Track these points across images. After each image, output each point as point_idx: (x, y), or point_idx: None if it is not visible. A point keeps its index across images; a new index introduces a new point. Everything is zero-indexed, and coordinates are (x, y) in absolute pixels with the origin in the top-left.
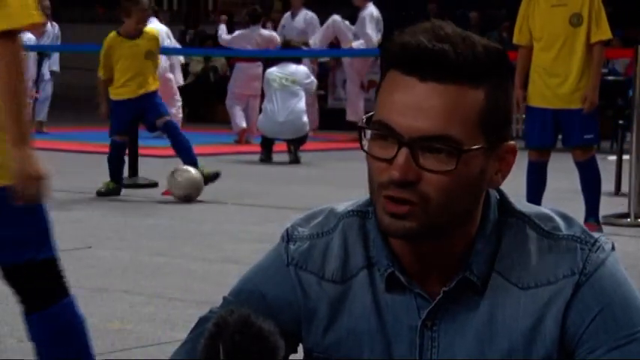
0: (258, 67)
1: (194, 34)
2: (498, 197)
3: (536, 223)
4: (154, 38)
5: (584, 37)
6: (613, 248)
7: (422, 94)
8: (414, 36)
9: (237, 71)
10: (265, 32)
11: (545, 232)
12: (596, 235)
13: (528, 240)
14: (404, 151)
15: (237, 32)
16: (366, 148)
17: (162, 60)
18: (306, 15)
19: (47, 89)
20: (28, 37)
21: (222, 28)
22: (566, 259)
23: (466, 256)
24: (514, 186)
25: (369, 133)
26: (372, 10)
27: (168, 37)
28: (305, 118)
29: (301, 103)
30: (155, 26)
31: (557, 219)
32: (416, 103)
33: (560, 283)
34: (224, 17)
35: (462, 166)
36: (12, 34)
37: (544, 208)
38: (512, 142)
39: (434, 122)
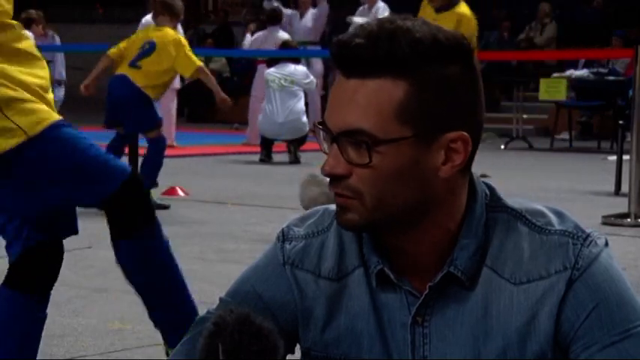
0: None
1: (193, 33)
2: (488, 193)
3: (528, 218)
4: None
5: None
6: (607, 244)
7: (347, 90)
8: (349, 34)
9: (258, 74)
10: (285, 35)
11: (537, 227)
12: (588, 230)
13: (520, 235)
14: (334, 146)
15: (256, 35)
16: (324, 148)
17: None
18: (313, 13)
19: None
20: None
21: (248, 38)
22: (558, 254)
23: (451, 251)
24: (514, 186)
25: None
26: (380, 4)
27: None
28: (304, 119)
29: (300, 104)
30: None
31: (550, 214)
32: (342, 100)
33: (552, 278)
34: (252, 26)
35: (379, 159)
36: None
37: (536, 204)
38: (461, 133)
39: (352, 117)
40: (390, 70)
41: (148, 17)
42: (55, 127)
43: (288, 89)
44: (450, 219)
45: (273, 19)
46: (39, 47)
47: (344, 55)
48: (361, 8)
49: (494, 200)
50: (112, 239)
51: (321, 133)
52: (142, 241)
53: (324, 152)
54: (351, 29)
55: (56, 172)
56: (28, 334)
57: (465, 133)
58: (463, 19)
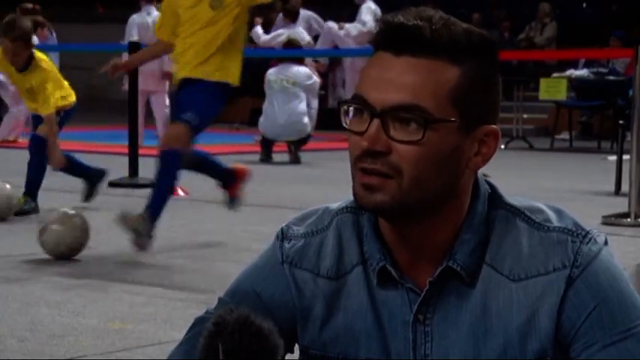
0: None
1: None
2: (490, 190)
3: (527, 215)
4: None
5: None
6: (606, 242)
7: (397, 68)
8: (395, 16)
9: None
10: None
11: (536, 224)
12: (588, 227)
13: (519, 232)
14: (375, 122)
15: (274, 32)
16: (347, 124)
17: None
18: (304, 15)
19: None
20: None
21: (258, 30)
22: (556, 251)
23: (453, 246)
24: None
25: (351, 114)
26: (370, 4)
27: None
28: (306, 120)
29: (302, 105)
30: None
31: (549, 212)
32: (390, 77)
33: (551, 275)
34: (259, 19)
35: (430, 137)
36: None
37: (536, 202)
38: (494, 126)
39: (405, 93)
40: (447, 53)
41: (135, 16)
42: None
43: (289, 90)
44: (457, 213)
45: (293, 15)
46: (39, 46)
47: (399, 32)
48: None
49: (495, 197)
50: None
51: (350, 109)
52: None
53: (348, 128)
54: (396, 13)
55: None
56: None
57: (497, 128)
58: None
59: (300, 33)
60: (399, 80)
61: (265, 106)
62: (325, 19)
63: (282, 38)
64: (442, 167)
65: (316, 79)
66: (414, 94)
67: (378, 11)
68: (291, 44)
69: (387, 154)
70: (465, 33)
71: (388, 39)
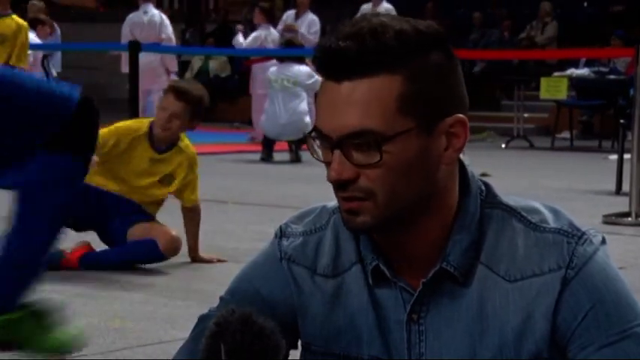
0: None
1: (194, 32)
2: (484, 189)
3: (523, 215)
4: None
5: None
6: (604, 242)
7: (340, 94)
8: (328, 38)
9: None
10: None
11: (531, 224)
12: (584, 228)
13: (515, 232)
14: (336, 152)
15: (252, 35)
16: (319, 155)
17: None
18: (309, 18)
19: None
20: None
21: (239, 38)
22: (552, 252)
23: (446, 247)
24: (514, 185)
25: (317, 143)
26: (386, 5)
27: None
28: (307, 119)
29: (303, 104)
30: (153, 14)
31: (545, 212)
32: (336, 104)
33: (546, 276)
34: (240, 27)
35: (389, 155)
36: None
37: (533, 202)
38: (458, 115)
39: (352, 119)
40: (382, 66)
41: (131, 15)
42: None
43: (290, 90)
44: (445, 212)
45: (270, 15)
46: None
47: (331, 60)
48: (365, 6)
49: (490, 197)
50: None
51: (315, 141)
52: (65, 163)
53: (319, 160)
54: (334, 30)
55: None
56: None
57: (462, 115)
58: None
59: (273, 34)
60: (343, 107)
61: (266, 105)
62: (326, 20)
63: (262, 39)
64: (413, 174)
65: (317, 77)
66: (362, 117)
67: (393, 12)
68: (291, 43)
69: (356, 180)
70: (397, 36)
71: (323, 67)
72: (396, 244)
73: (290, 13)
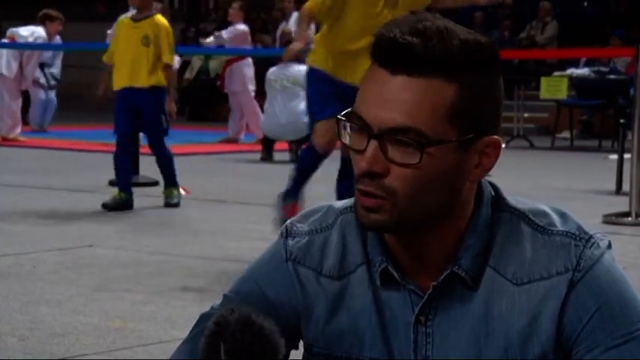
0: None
1: (194, 31)
2: (493, 193)
3: (531, 218)
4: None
5: None
6: (610, 246)
7: (393, 87)
8: (391, 29)
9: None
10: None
11: (539, 227)
12: (591, 232)
13: (522, 235)
14: (373, 142)
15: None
16: (347, 140)
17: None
18: (294, 16)
19: (51, 96)
20: (39, 35)
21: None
22: (559, 255)
23: (457, 251)
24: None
25: (349, 128)
26: None
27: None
28: (307, 119)
29: (303, 104)
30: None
31: (553, 215)
32: (386, 96)
33: (553, 279)
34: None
35: (427, 160)
36: None
37: (540, 204)
38: (494, 137)
39: (401, 115)
40: (442, 70)
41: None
42: None
43: (290, 90)
44: (461, 221)
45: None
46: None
47: (393, 51)
48: None
49: (499, 200)
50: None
51: (348, 125)
52: None
53: (346, 144)
54: (392, 23)
55: None
56: None
57: (498, 138)
58: None
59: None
60: (395, 100)
61: (266, 106)
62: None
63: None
64: (441, 185)
65: None
66: (411, 115)
67: None
68: (290, 43)
69: (385, 176)
70: (462, 46)
71: (383, 56)
72: (408, 247)
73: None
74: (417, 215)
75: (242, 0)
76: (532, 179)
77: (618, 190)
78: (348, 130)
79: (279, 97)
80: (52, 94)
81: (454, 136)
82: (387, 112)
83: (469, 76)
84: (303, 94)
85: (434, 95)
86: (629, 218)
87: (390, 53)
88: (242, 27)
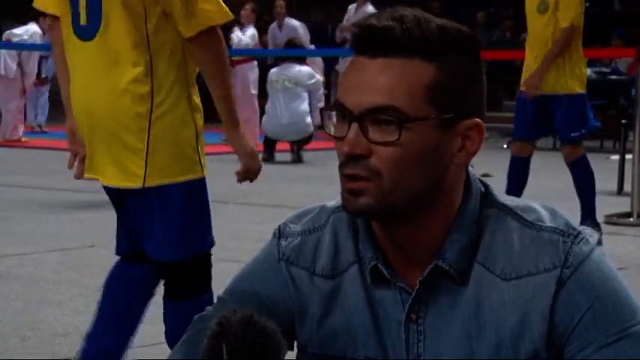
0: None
1: None
2: (483, 189)
3: (519, 214)
4: None
5: (552, 26)
6: (600, 242)
7: (371, 70)
8: (368, 19)
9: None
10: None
11: (527, 222)
12: (580, 227)
13: (510, 231)
14: (354, 125)
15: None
16: (332, 130)
17: None
18: (288, 24)
19: (43, 90)
20: (34, 32)
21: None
22: (547, 251)
23: (443, 245)
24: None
25: (334, 118)
26: (370, 8)
27: None
28: (308, 120)
29: (304, 105)
30: None
31: (542, 211)
32: (365, 80)
33: (542, 275)
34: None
35: (407, 137)
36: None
37: (530, 201)
38: (476, 120)
39: (381, 95)
40: (421, 51)
41: None
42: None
43: (291, 90)
44: (448, 212)
45: None
46: (41, 46)
47: (370, 35)
48: (351, 6)
49: (488, 197)
50: (168, 297)
51: (333, 115)
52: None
53: (331, 135)
54: (371, 15)
55: (189, 217)
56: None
57: (480, 121)
58: None
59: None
60: (373, 82)
61: (268, 106)
62: (327, 21)
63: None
64: (423, 166)
65: (319, 77)
66: (389, 94)
67: None
68: (291, 44)
69: (368, 157)
70: (439, 30)
71: (361, 42)
72: (396, 241)
73: (273, 26)
74: (402, 198)
75: (253, 2)
76: (533, 179)
77: (620, 190)
78: (333, 120)
79: (280, 97)
80: (45, 89)
81: (434, 114)
82: (367, 95)
83: (449, 58)
84: (304, 94)
85: (412, 74)
86: (631, 219)
87: (368, 39)
88: (254, 31)
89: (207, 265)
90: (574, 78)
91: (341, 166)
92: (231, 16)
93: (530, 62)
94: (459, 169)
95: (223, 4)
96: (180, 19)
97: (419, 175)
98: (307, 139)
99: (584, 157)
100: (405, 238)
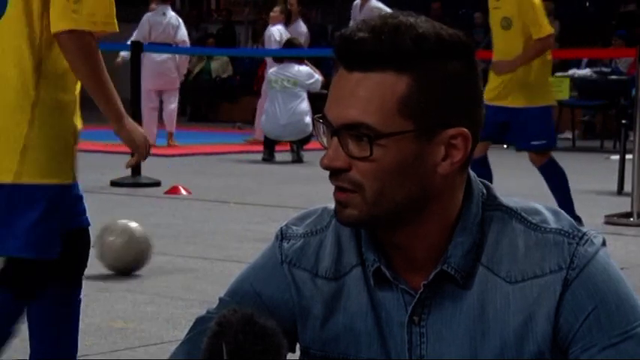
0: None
1: (197, 32)
2: (485, 192)
3: (523, 216)
4: None
5: (517, 41)
6: (604, 243)
7: (349, 84)
8: (350, 28)
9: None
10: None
11: (532, 224)
12: (584, 229)
13: (515, 233)
14: (334, 139)
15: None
16: (323, 141)
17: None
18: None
19: None
20: None
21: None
22: (553, 253)
23: (447, 249)
24: (516, 185)
25: (322, 128)
26: (374, 2)
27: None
28: (307, 119)
29: (303, 105)
30: (171, 16)
31: (546, 213)
32: (343, 93)
33: (547, 277)
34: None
35: (381, 152)
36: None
37: (534, 203)
38: (461, 129)
39: (355, 110)
40: (393, 63)
41: (149, 14)
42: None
43: (290, 90)
44: (446, 216)
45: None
46: None
47: (347, 48)
48: (356, 2)
49: (491, 199)
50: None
51: (321, 126)
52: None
53: (323, 146)
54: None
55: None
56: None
57: (466, 130)
58: (523, 1)
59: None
60: (350, 96)
61: (267, 106)
62: (327, 20)
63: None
64: (404, 177)
65: (318, 77)
66: (363, 110)
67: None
68: (290, 44)
69: (348, 171)
70: (416, 39)
71: (339, 55)
72: (394, 244)
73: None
74: (387, 209)
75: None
76: (534, 180)
77: (620, 190)
78: (322, 130)
79: (279, 97)
80: None
81: (410, 127)
82: (344, 108)
83: (424, 66)
84: (303, 94)
85: (384, 89)
86: (631, 219)
87: (345, 51)
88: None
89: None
90: (539, 90)
91: (329, 177)
92: (113, 28)
93: (492, 78)
94: (450, 177)
95: (111, 14)
96: (54, 12)
97: (401, 185)
98: (307, 139)
99: (550, 161)
100: (402, 242)
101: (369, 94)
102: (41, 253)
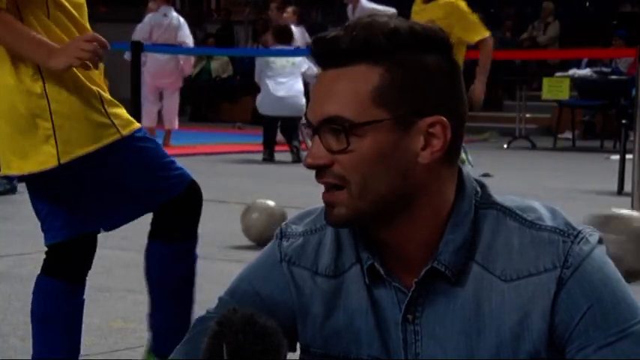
0: None
1: (197, 32)
2: (479, 190)
3: (518, 214)
4: None
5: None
6: (601, 241)
7: (325, 82)
8: (324, 32)
9: None
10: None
11: (527, 222)
12: (580, 227)
13: (510, 231)
14: (315, 138)
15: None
16: (309, 144)
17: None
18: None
19: None
20: None
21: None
22: (547, 251)
23: (437, 246)
24: (516, 185)
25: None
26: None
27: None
28: (303, 100)
29: (300, 84)
30: (173, 17)
31: (542, 210)
32: (321, 93)
33: (542, 276)
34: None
35: (358, 143)
36: None
37: (530, 201)
38: (439, 117)
39: (331, 105)
40: (366, 57)
41: (150, 15)
42: (138, 131)
43: (289, 69)
44: (436, 212)
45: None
46: None
47: (321, 47)
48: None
49: (485, 197)
50: (151, 236)
51: (306, 130)
52: (179, 249)
53: (309, 149)
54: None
55: (134, 174)
56: (73, 319)
57: (444, 118)
58: (452, 9)
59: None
60: (325, 94)
61: (264, 83)
62: (327, 20)
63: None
64: (386, 167)
65: (311, 65)
66: (337, 104)
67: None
68: (284, 32)
69: (330, 166)
70: (388, 33)
71: (315, 56)
72: (387, 243)
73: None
74: (372, 201)
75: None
76: (534, 180)
77: (620, 190)
78: (309, 135)
79: (277, 75)
80: None
81: (385, 116)
82: (321, 106)
83: (398, 57)
84: (300, 77)
85: (358, 81)
86: None
87: (320, 52)
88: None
89: (194, 207)
90: None
91: (315, 177)
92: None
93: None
94: (434, 168)
95: None
96: None
97: (384, 176)
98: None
99: None
100: (394, 240)
101: (343, 88)
102: (168, 194)
